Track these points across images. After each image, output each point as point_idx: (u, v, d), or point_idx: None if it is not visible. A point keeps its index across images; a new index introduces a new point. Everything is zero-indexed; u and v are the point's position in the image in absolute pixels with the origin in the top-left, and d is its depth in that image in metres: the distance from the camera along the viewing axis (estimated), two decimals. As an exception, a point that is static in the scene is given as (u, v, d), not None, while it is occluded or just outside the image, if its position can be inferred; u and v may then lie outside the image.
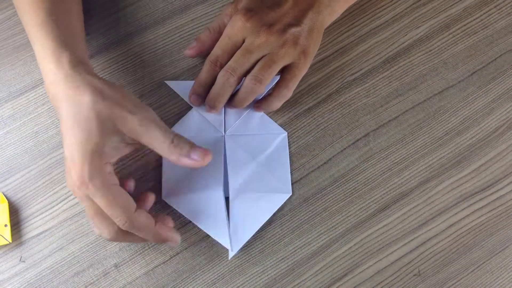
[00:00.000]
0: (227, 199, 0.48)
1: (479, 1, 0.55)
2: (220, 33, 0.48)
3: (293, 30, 0.45)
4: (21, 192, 0.49)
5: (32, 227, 0.48)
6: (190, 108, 0.50)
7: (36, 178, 0.49)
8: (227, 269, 0.47)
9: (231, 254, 0.47)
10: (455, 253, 0.49)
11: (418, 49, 0.53)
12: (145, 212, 0.41)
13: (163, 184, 0.48)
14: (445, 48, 0.54)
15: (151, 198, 0.45)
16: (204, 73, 0.47)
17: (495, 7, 0.55)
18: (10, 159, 0.49)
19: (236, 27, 0.45)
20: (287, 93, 0.48)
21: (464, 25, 0.54)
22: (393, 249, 0.48)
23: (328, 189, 0.49)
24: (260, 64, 0.45)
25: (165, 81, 0.51)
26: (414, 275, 0.48)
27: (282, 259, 0.48)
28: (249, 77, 0.46)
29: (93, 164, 0.38)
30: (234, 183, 0.48)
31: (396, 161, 0.50)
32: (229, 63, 0.46)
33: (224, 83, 0.46)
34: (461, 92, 0.52)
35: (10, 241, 0.47)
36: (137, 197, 0.44)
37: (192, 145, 0.41)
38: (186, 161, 0.40)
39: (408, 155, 0.51)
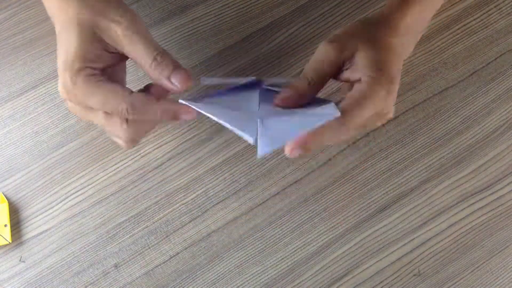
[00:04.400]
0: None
1: (479, 1, 0.55)
2: (320, 83, 0.40)
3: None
4: (21, 192, 0.49)
5: (32, 227, 0.48)
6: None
7: (36, 178, 0.49)
8: (227, 269, 0.47)
9: (260, 153, 0.35)
10: (455, 253, 0.49)
11: (418, 49, 0.53)
12: (141, 93, 0.38)
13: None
14: (445, 48, 0.54)
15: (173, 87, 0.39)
16: (350, 136, 0.40)
17: (495, 7, 0.55)
18: (10, 159, 0.49)
19: (385, 105, 0.39)
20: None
21: (464, 25, 0.54)
22: (393, 249, 0.48)
23: (328, 189, 0.49)
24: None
25: (201, 78, 0.44)
26: (414, 275, 0.48)
27: (282, 259, 0.48)
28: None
29: (73, 69, 0.37)
30: (267, 108, 0.40)
31: (396, 161, 0.50)
32: (362, 123, 0.39)
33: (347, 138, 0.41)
34: (461, 92, 0.52)
35: (10, 241, 0.47)
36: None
37: (175, 67, 0.38)
38: (165, 84, 0.38)
39: (408, 155, 0.51)
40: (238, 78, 0.45)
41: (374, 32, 0.41)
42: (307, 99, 0.40)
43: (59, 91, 0.39)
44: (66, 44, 0.38)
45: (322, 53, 0.40)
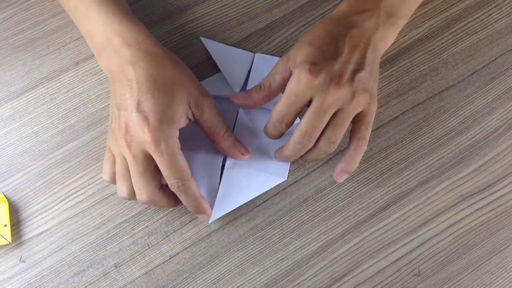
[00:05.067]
0: (223, 166, 0.48)
1: (479, 1, 0.55)
2: (271, 91, 0.45)
3: (360, 76, 0.42)
4: (21, 192, 0.49)
5: (32, 227, 0.48)
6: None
7: (36, 178, 0.49)
8: (227, 269, 0.47)
9: (211, 220, 0.47)
10: (455, 253, 0.49)
11: (418, 49, 0.53)
12: (195, 182, 0.45)
13: None
14: (445, 48, 0.54)
15: None
16: (271, 130, 0.45)
17: (495, 7, 0.55)
18: (10, 159, 0.49)
19: (303, 84, 0.42)
20: (366, 145, 0.45)
21: (464, 25, 0.54)
22: (393, 249, 0.48)
23: (328, 189, 0.49)
24: (333, 124, 0.43)
25: (201, 37, 0.52)
26: (414, 275, 0.48)
27: (282, 259, 0.48)
28: (323, 140, 0.43)
29: (169, 126, 0.42)
30: None
31: (396, 161, 0.50)
32: (303, 126, 0.43)
33: (301, 149, 0.44)
34: (461, 92, 0.52)
35: (10, 241, 0.47)
36: None
37: (238, 140, 0.47)
38: (232, 150, 0.46)
39: (408, 155, 0.51)
40: (236, 50, 0.52)
41: (328, 28, 0.44)
42: (259, 103, 0.46)
43: (135, 134, 0.41)
44: (165, 99, 0.42)
45: (275, 65, 0.45)
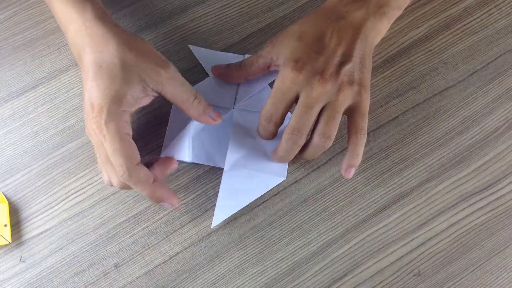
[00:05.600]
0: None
1: (479, 1, 0.55)
2: (249, 72, 0.47)
3: (346, 68, 0.42)
4: (21, 192, 0.49)
5: (32, 227, 0.48)
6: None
7: (36, 178, 0.49)
8: (227, 269, 0.47)
9: (214, 224, 0.47)
10: (455, 253, 0.49)
11: (418, 49, 0.53)
12: (146, 169, 0.42)
13: (164, 143, 0.49)
14: (445, 48, 0.54)
15: (172, 166, 0.46)
16: (261, 130, 0.46)
17: (495, 7, 0.55)
18: (10, 159, 0.49)
19: (288, 81, 0.42)
20: (365, 136, 0.44)
21: (464, 25, 0.54)
22: (393, 249, 0.48)
23: (328, 189, 0.49)
24: (324, 118, 0.43)
25: (189, 45, 0.52)
26: (414, 275, 0.48)
27: (282, 259, 0.48)
28: (317, 135, 0.43)
29: (111, 110, 0.40)
30: (231, 157, 0.48)
31: (396, 161, 0.50)
32: (291, 123, 0.43)
33: (292, 145, 0.44)
34: (461, 92, 0.52)
35: (10, 241, 0.47)
36: (159, 159, 0.46)
37: (209, 105, 0.45)
38: (204, 118, 0.45)
39: (408, 155, 0.51)
40: (226, 55, 0.52)
41: (315, 21, 0.44)
42: (235, 80, 0.48)
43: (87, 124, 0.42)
44: (105, 83, 0.40)
45: (261, 49, 0.46)
